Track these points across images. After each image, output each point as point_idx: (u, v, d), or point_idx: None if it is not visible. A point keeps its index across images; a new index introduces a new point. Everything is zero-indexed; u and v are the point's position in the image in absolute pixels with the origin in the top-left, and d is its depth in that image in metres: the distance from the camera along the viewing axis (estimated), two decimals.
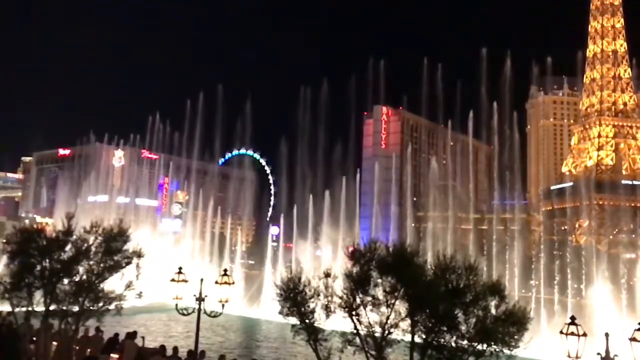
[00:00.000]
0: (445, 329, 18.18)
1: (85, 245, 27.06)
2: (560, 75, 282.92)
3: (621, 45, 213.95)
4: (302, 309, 19.75)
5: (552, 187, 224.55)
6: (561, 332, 18.73)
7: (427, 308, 18.39)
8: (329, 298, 19.71)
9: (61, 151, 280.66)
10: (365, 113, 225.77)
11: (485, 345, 17.83)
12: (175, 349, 29.75)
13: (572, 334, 18.35)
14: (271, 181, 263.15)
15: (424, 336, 18.44)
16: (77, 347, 29.29)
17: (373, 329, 19.16)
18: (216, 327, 66.37)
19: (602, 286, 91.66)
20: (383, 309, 19.14)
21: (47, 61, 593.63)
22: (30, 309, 27.25)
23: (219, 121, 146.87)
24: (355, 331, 19.37)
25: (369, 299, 19.34)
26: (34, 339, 29.30)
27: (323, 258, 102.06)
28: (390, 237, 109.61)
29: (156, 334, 61.43)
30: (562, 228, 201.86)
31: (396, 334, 19.04)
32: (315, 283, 20.00)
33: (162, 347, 30.90)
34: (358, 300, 19.43)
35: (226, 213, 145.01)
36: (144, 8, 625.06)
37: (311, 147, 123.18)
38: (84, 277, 26.84)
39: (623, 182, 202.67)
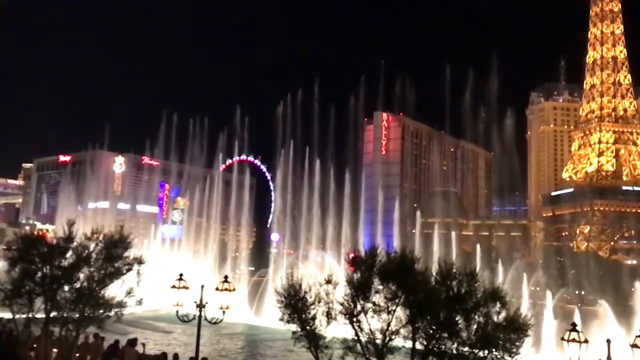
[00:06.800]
0: (446, 335, 18.15)
1: (86, 252, 27.01)
2: (560, 82, 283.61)
3: (621, 52, 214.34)
4: (303, 316, 19.72)
5: (553, 193, 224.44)
6: (562, 339, 18.73)
7: (428, 314, 18.37)
8: (330, 305, 19.68)
9: (62, 157, 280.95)
10: (366, 119, 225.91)
11: (486, 352, 17.81)
12: (176, 356, 29.70)
13: (574, 340, 18.34)
14: (272, 187, 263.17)
15: (425, 343, 18.41)
16: (78, 354, 29.24)
17: (374, 335, 19.13)
18: (218, 334, 66.28)
19: (603, 293, 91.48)
20: (384, 315, 19.11)
21: (47, 68, 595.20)
22: (30, 315, 27.18)
23: (220, 127, 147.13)
24: (356, 338, 19.34)
25: (370, 305, 19.32)
26: (35, 345, 29.23)
27: (325, 265, 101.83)
28: (393, 243, 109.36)
29: (157, 341, 61.29)
30: (563, 234, 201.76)
31: (397, 341, 19.00)
32: (316, 290, 19.98)
33: (163, 355, 30.87)
34: (359, 307, 19.41)
35: (226, 219, 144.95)
36: (145, 13, 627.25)
37: (312, 153, 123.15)
38: (85, 283, 26.77)
39: (624, 188, 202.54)
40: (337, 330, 19.81)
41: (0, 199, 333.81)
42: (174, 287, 24.29)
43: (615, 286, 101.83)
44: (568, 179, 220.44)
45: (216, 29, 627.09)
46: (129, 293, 26.98)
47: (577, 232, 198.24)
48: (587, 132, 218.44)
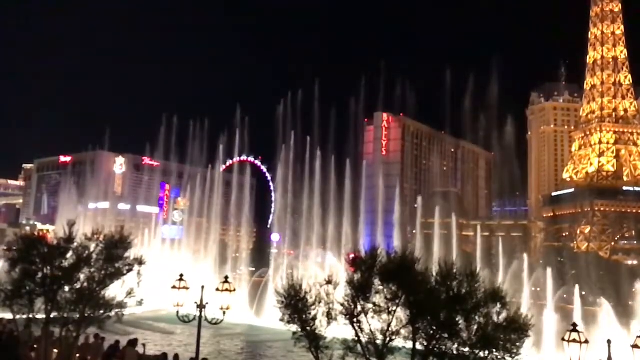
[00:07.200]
0: (446, 336, 18.15)
1: (87, 252, 27.02)
2: (560, 82, 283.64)
3: (621, 52, 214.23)
4: (304, 317, 19.71)
5: (553, 194, 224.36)
6: (563, 339, 18.73)
7: (428, 315, 18.36)
8: (331, 305, 19.68)
9: (62, 158, 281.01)
10: (366, 120, 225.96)
11: (486, 352, 17.80)
12: (177, 356, 29.75)
13: (574, 341, 18.34)
14: (272, 188, 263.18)
15: (425, 343, 18.40)
16: (78, 355, 29.25)
17: (374, 336, 19.13)
18: (218, 334, 66.25)
19: (604, 293, 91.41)
20: (384, 316, 19.10)
21: (47, 68, 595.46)
22: (31, 316, 27.20)
23: (220, 127, 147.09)
24: (356, 338, 19.33)
25: (370, 306, 19.31)
26: (35, 346, 29.28)
27: (325, 265, 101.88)
28: (393, 243, 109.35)
29: (157, 342, 61.29)
30: (564, 235, 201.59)
31: (398, 341, 18.99)
32: (317, 290, 19.96)
33: (164, 355, 30.91)
34: (359, 308, 19.41)
35: (227, 220, 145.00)
36: (145, 13, 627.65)
37: (313, 153, 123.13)
38: (85, 284, 26.80)
39: (624, 188, 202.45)
40: (337, 330, 19.79)
41: (0, 200, 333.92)
42: (174, 287, 24.31)
43: (616, 287, 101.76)
44: (568, 180, 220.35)
45: (216, 29, 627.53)
46: (129, 294, 27.00)
47: (578, 232, 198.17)
48: (588, 133, 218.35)
